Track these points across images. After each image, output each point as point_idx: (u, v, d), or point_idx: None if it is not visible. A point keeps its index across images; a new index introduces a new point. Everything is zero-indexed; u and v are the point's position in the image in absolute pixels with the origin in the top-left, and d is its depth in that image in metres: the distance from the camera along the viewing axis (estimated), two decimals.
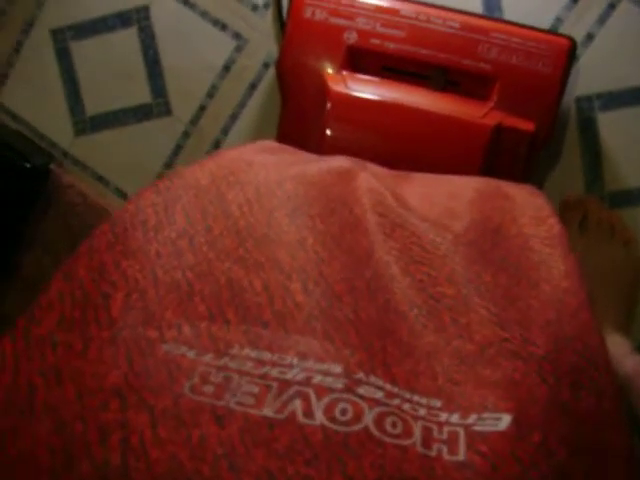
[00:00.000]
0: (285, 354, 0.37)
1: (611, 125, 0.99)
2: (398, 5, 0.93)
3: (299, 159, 0.67)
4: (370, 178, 0.60)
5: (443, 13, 0.92)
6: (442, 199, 0.61)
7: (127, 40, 1.12)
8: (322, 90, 0.91)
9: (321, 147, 0.90)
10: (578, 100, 0.99)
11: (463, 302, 0.45)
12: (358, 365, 0.38)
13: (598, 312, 0.87)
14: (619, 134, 0.99)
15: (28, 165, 1.08)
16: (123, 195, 1.15)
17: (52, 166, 1.13)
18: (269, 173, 0.56)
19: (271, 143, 0.76)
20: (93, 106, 1.15)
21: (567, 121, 1.00)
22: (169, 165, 1.13)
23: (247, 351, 0.37)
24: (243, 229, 0.48)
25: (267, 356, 0.37)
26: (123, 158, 1.15)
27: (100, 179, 1.16)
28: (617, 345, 0.86)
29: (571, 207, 0.97)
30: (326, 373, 0.36)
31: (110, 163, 1.16)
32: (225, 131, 1.10)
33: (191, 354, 0.36)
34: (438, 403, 0.37)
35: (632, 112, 0.98)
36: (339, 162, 0.64)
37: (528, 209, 0.58)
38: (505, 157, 0.90)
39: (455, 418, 0.35)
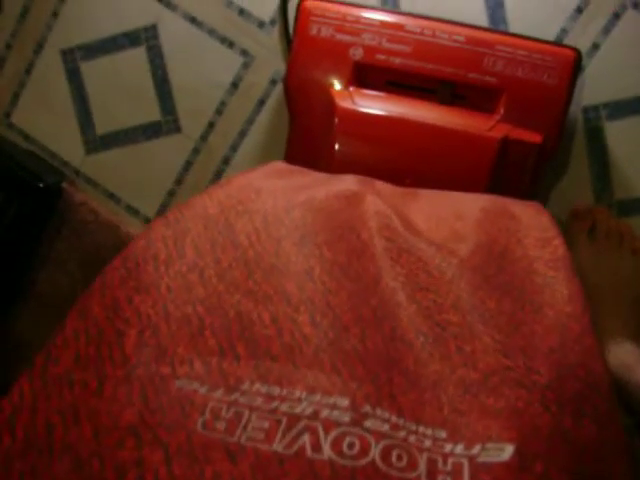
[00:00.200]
0: (294, 388, 0.38)
1: (618, 134, 0.99)
2: (403, 20, 0.93)
3: (307, 182, 0.67)
4: (377, 201, 0.61)
5: (448, 27, 0.92)
6: (449, 219, 0.62)
7: (136, 59, 1.13)
8: (330, 106, 0.92)
9: (330, 162, 0.90)
10: (585, 110, 1.00)
11: (468, 329, 0.46)
12: (365, 398, 0.38)
13: (608, 321, 0.88)
14: (626, 143, 0.99)
15: (41, 185, 1.10)
16: (134, 212, 1.17)
17: (64, 185, 1.14)
18: (277, 200, 0.57)
19: (279, 165, 0.77)
20: (103, 125, 1.16)
21: (574, 131, 1.00)
22: (179, 182, 1.14)
23: (257, 386, 0.38)
24: (252, 260, 0.49)
25: (276, 391, 0.37)
26: (134, 175, 1.16)
27: (111, 196, 1.17)
28: (628, 353, 0.86)
29: (580, 216, 0.97)
30: (333, 407, 0.36)
31: (121, 181, 1.17)
32: (234, 147, 1.11)
33: (203, 390, 0.37)
34: (443, 434, 0.37)
35: (639, 121, 0.98)
36: (346, 185, 0.65)
37: (533, 229, 0.58)
38: (513, 169, 0.90)
39: (459, 449, 0.36)
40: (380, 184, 0.73)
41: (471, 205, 0.65)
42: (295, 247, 0.51)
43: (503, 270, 0.53)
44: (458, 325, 0.46)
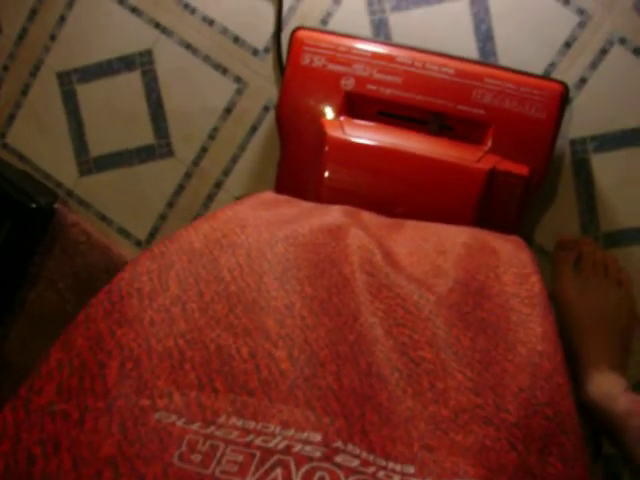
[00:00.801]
0: (269, 423, 0.39)
1: (605, 166, 1.01)
2: (394, 52, 0.95)
3: (293, 214, 0.68)
4: (361, 234, 0.62)
5: (438, 59, 0.94)
6: (430, 254, 0.63)
7: (131, 83, 1.14)
8: (320, 135, 0.93)
9: (320, 190, 0.91)
10: (572, 142, 1.01)
11: (441, 367, 0.47)
12: (337, 433, 0.39)
13: (593, 351, 0.89)
14: (613, 175, 1.01)
15: (33, 205, 1.10)
16: (126, 234, 1.17)
17: (57, 205, 1.15)
18: (261, 235, 0.58)
19: (267, 195, 0.78)
20: (97, 147, 1.17)
21: (562, 163, 1.02)
22: (171, 205, 1.15)
23: (233, 420, 0.38)
24: (233, 294, 0.50)
25: (252, 425, 0.38)
26: (126, 198, 1.17)
27: (104, 218, 1.18)
28: (612, 384, 0.86)
29: (566, 248, 0.98)
30: (306, 442, 0.37)
31: (113, 203, 1.18)
32: (226, 172, 1.12)
33: (180, 422, 0.37)
34: (412, 469, 0.38)
35: (624, 153, 1.00)
36: (331, 218, 0.66)
37: (512, 266, 0.59)
38: (499, 200, 0.91)
39: None
40: (366, 215, 0.74)
41: (454, 239, 0.66)
42: (277, 282, 0.52)
43: (480, 307, 0.54)
44: (432, 362, 0.47)
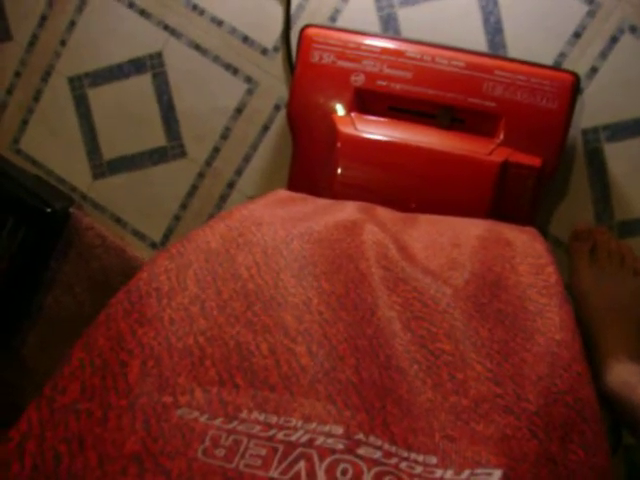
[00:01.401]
0: (290, 417, 0.39)
1: (618, 155, 1.01)
2: (403, 47, 0.95)
3: (308, 211, 0.69)
4: (375, 230, 0.62)
5: (447, 53, 0.94)
6: (446, 247, 0.63)
7: (142, 86, 1.15)
8: (332, 132, 0.93)
9: (332, 186, 0.92)
10: (584, 132, 1.01)
11: (460, 358, 0.47)
12: (358, 426, 0.39)
13: (610, 341, 0.88)
14: (626, 164, 1.00)
15: (49, 210, 1.11)
16: (141, 236, 1.18)
17: (72, 209, 1.16)
18: (277, 232, 0.58)
19: (281, 193, 0.78)
20: (110, 150, 1.18)
21: (574, 153, 1.02)
22: (185, 206, 1.15)
23: (255, 415, 0.39)
24: (251, 292, 0.50)
25: (274, 419, 0.39)
26: (140, 200, 1.18)
27: (118, 221, 1.19)
28: (630, 373, 0.86)
29: (581, 238, 0.98)
30: (328, 435, 0.37)
31: (127, 205, 1.19)
32: (239, 172, 1.12)
33: (203, 418, 0.38)
34: (434, 460, 0.38)
35: (637, 142, 0.99)
36: (346, 213, 0.66)
37: (528, 256, 0.59)
38: (513, 192, 0.91)
39: (449, 474, 0.37)
40: (381, 210, 0.74)
41: (468, 232, 0.67)
42: (294, 279, 0.52)
43: (497, 298, 0.54)
44: (451, 354, 0.47)
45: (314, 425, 0.38)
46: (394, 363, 0.46)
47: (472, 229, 0.67)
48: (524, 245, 0.63)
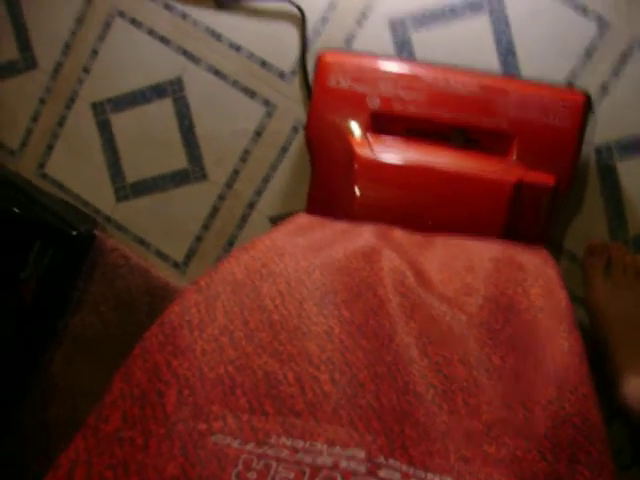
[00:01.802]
0: (316, 441, 0.41)
1: (631, 172, 1.02)
2: (417, 69, 0.97)
3: (327, 237, 0.71)
4: (393, 256, 0.64)
5: (461, 76, 0.96)
6: (460, 271, 0.65)
7: (163, 110, 1.18)
8: (349, 154, 0.96)
9: (351, 207, 0.94)
10: (597, 149, 1.03)
11: (474, 383, 0.49)
12: (379, 449, 0.42)
13: (625, 355, 0.90)
14: (639, 179, 1.02)
15: (74, 233, 1.14)
16: (164, 256, 1.21)
17: (96, 231, 1.19)
18: (299, 262, 0.61)
19: (300, 219, 0.81)
20: (133, 173, 1.21)
21: (588, 169, 1.03)
22: (206, 227, 1.18)
23: (283, 440, 0.41)
24: (277, 322, 0.53)
25: (300, 444, 0.41)
26: (162, 221, 1.21)
27: (141, 242, 1.22)
28: None
29: (596, 253, 0.99)
30: (351, 458, 0.40)
31: (150, 226, 1.22)
32: (259, 193, 1.15)
33: (235, 444, 0.40)
34: None
35: None
36: (364, 239, 0.68)
37: (539, 280, 0.62)
38: (527, 210, 0.93)
39: None
40: (398, 233, 0.76)
41: (482, 255, 0.69)
42: (316, 307, 0.55)
43: (509, 323, 0.56)
44: (465, 379, 0.50)
45: (338, 449, 0.41)
46: (412, 388, 0.48)
47: (486, 252, 0.70)
48: (536, 268, 0.65)
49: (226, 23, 1.14)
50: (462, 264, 0.67)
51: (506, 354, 0.53)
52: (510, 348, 0.54)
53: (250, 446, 0.40)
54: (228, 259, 0.62)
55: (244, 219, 1.16)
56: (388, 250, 0.66)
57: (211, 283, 0.57)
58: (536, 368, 0.51)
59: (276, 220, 1.15)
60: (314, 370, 0.48)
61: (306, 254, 0.63)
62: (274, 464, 0.39)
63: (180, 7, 1.16)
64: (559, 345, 0.53)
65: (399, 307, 0.56)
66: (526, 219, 0.93)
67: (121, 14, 1.18)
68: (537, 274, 0.63)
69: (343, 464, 0.39)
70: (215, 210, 1.18)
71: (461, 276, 0.64)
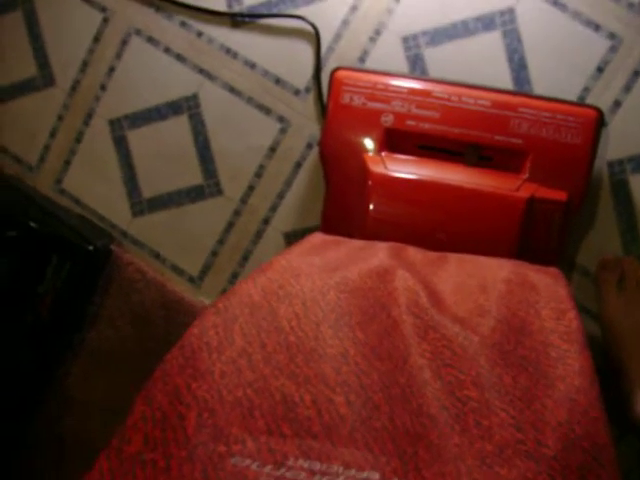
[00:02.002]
0: (332, 464, 0.42)
1: None
2: (430, 86, 0.98)
3: (342, 257, 0.72)
4: (407, 276, 0.65)
5: (474, 92, 0.97)
6: (474, 292, 0.66)
7: (179, 127, 1.20)
8: (363, 171, 0.97)
9: (365, 223, 0.95)
10: (610, 164, 1.03)
11: (486, 405, 0.50)
12: (393, 471, 0.43)
13: (638, 372, 0.90)
14: None
15: (91, 247, 1.16)
16: (179, 271, 1.22)
17: (113, 246, 1.20)
18: (314, 283, 0.62)
19: (315, 238, 0.82)
20: (149, 189, 1.23)
21: (601, 184, 1.04)
22: (222, 242, 1.19)
23: (301, 462, 0.42)
24: (293, 344, 0.54)
25: (317, 466, 0.42)
26: (178, 236, 1.22)
27: (157, 256, 1.24)
28: None
29: (609, 267, 1.00)
30: None
31: (166, 241, 1.23)
32: (274, 208, 1.16)
33: (254, 466, 0.41)
34: None
35: None
36: (378, 259, 0.69)
37: (551, 300, 0.63)
38: (540, 226, 0.94)
39: None
40: (412, 251, 0.77)
41: (495, 275, 0.70)
42: (331, 330, 0.56)
43: (521, 344, 0.57)
44: (477, 400, 0.50)
45: (353, 472, 0.42)
46: (425, 410, 0.49)
47: (499, 272, 0.70)
48: (547, 289, 0.66)
49: (241, 41, 1.15)
50: (475, 283, 0.68)
51: (517, 375, 0.54)
52: (522, 369, 0.54)
53: (268, 468, 0.41)
54: (246, 280, 0.63)
55: (259, 234, 1.18)
56: (402, 270, 0.67)
57: (229, 305, 0.58)
58: (547, 390, 0.52)
59: (290, 236, 1.16)
60: (330, 392, 0.49)
61: (321, 274, 0.64)
62: None
63: (196, 25, 1.17)
64: (570, 366, 0.54)
65: (413, 328, 0.57)
66: (539, 235, 0.94)
67: (138, 32, 1.20)
68: (549, 295, 0.64)
69: None
70: (230, 225, 1.19)
71: (474, 297, 0.65)
